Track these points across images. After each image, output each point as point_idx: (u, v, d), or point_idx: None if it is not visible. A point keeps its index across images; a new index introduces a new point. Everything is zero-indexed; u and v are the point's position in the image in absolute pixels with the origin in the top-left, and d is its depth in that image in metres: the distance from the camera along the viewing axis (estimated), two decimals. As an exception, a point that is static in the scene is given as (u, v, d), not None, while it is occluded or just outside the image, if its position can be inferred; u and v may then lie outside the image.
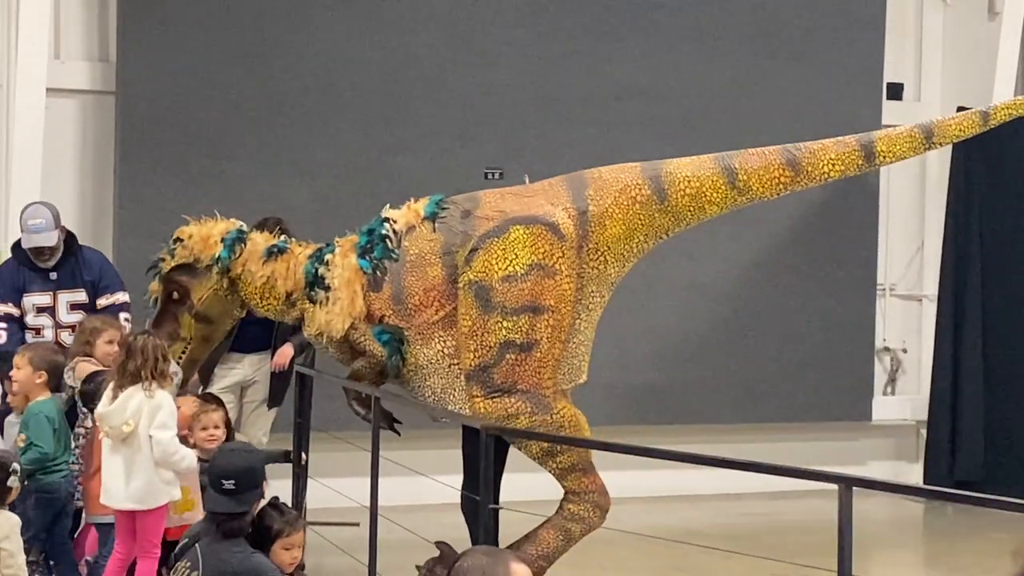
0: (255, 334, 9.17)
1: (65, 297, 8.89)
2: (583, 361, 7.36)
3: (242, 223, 7.59)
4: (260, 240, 7.50)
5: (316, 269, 7.31)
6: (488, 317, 7.04)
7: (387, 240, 7.27)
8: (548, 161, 11.11)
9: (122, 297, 8.97)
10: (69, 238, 9.05)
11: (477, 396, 7.11)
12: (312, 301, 7.30)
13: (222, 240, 7.43)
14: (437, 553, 7.29)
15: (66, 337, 8.70)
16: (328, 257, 7.32)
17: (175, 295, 7.50)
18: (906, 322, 13.31)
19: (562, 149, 11.48)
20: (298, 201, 10.59)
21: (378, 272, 7.23)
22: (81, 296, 8.92)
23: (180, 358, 7.57)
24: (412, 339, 7.23)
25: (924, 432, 12.96)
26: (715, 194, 7.31)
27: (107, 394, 7.27)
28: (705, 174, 7.31)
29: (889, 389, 13.25)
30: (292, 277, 7.37)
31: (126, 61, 10.75)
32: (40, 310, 8.87)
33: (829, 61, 12.47)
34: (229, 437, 8.13)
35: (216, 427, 7.88)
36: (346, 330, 7.20)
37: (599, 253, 7.24)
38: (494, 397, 7.07)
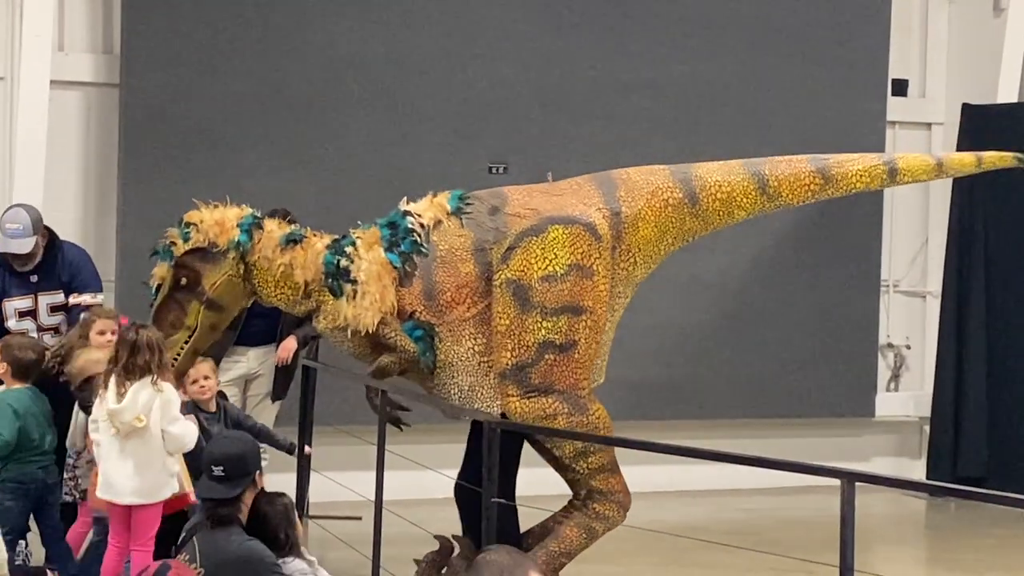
0: (260, 327, 9.17)
1: (45, 300, 8.73)
2: (604, 361, 7.41)
3: (253, 210, 7.40)
4: (275, 227, 7.31)
5: (338, 261, 7.15)
6: (527, 316, 7.02)
7: (415, 234, 7.20)
8: (552, 156, 11.15)
9: (88, 299, 8.69)
10: (51, 237, 8.85)
11: (513, 396, 7.07)
12: (335, 294, 7.14)
13: (238, 225, 7.25)
14: (438, 546, 7.31)
15: (48, 339, 8.54)
16: (349, 249, 7.17)
17: (184, 281, 7.26)
18: (910, 318, 13.31)
19: (566, 144, 11.48)
20: (302, 195, 10.58)
21: (407, 267, 7.14)
22: (59, 298, 8.75)
23: (183, 347, 7.36)
24: (443, 336, 7.15)
25: (927, 428, 12.95)
26: (745, 200, 7.45)
27: (111, 390, 7.17)
28: (736, 180, 7.44)
29: (892, 385, 13.25)
30: (311, 267, 7.19)
31: (130, 53, 10.74)
32: (22, 314, 8.69)
33: (834, 57, 12.45)
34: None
35: (206, 377, 7.90)
36: (376, 326, 7.07)
37: (630, 255, 7.31)
38: (531, 397, 7.05)
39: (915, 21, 13.22)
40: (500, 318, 7.06)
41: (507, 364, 7.06)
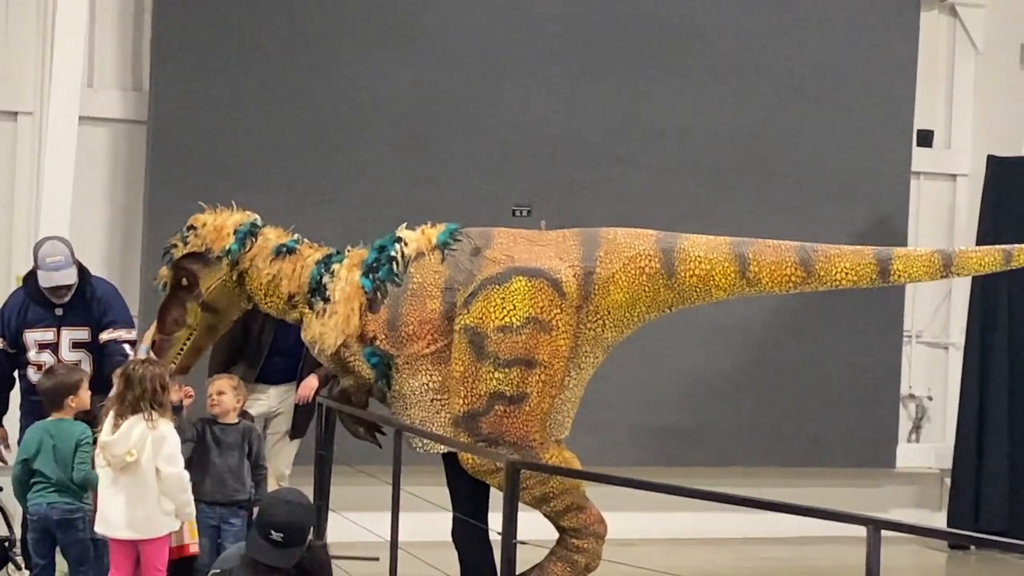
0: (281, 366, 9.15)
1: (68, 335, 8.59)
2: (567, 417, 7.39)
3: (257, 216, 7.64)
4: (272, 236, 7.57)
5: (320, 276, 7.35)
6: (480, 365, 7.05)
7: (394, 263, 7.28)
8: (577, 199, 11.15)
9: (125, 335, 8.63)
10: (80, 270, 8.72)
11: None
12: (310, 308, 7.34)
13: (234, 232, 7.49)
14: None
15: None
16: (335, 267, 7.36)
17: (184, 282, 7.55)
18: (932, 369, 13.26)
19: (591, 187, 11.49)
20: (327, 234, 10.46)
21: (379, 294, 7.25)
22: (83, 334, 8.61)
23: (184, 345, 7.63)
24: (400, 367, 7.24)
25: (948, 480, 12.89)
26: (724, 280, 7.26)
27: (108, 423, 7.24)
28: (717, 258, 7.25)
29: (914, 436, 13.18)
30: (297, 279, 7.41)
31: (159, 91, 10.80)
32: (42, 346, 8.56)
33: (860, 107, 12.46)
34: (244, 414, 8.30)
35: (220, 393, 8.10)
36: (338, 347, 7.24)
37: (598, 316, 7.22)
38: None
39: (941, 72, 13.22)
40: (456, 364, 7.11)
41: (459, 411, 7.11)
